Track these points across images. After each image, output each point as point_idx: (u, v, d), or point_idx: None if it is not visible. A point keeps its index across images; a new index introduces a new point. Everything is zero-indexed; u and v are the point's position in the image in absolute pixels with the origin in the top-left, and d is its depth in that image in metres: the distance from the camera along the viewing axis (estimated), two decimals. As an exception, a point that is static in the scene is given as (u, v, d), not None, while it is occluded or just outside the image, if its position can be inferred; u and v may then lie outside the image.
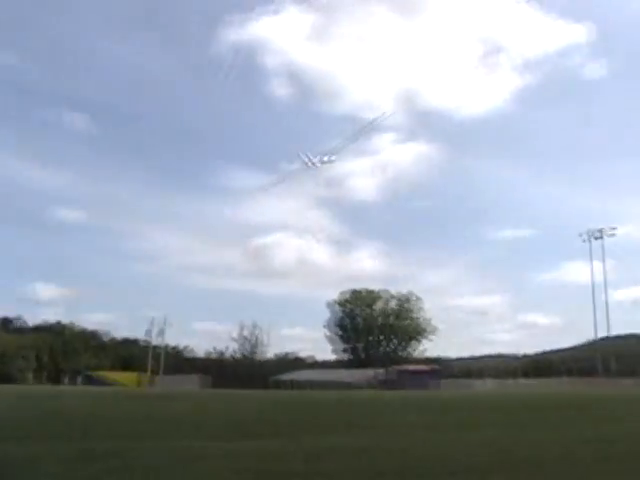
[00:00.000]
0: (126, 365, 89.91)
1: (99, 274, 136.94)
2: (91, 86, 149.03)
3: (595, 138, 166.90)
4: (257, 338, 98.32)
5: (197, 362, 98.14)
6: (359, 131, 77.92)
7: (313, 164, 65.44)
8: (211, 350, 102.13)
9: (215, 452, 8.36)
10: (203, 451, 8.47)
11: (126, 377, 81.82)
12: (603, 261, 79.77)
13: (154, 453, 8.24)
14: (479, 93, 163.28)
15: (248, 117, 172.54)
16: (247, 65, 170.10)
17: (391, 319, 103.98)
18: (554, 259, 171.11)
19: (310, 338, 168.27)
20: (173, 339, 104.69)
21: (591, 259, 79.72)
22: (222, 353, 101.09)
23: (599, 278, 79.46)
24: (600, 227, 79.26)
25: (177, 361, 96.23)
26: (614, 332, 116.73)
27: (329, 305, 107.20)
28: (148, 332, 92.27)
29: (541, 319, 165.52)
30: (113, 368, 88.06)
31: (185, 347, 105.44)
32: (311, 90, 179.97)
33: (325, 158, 65.77)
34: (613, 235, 79.14)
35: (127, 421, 14.64)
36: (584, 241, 79.19)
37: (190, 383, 74.85)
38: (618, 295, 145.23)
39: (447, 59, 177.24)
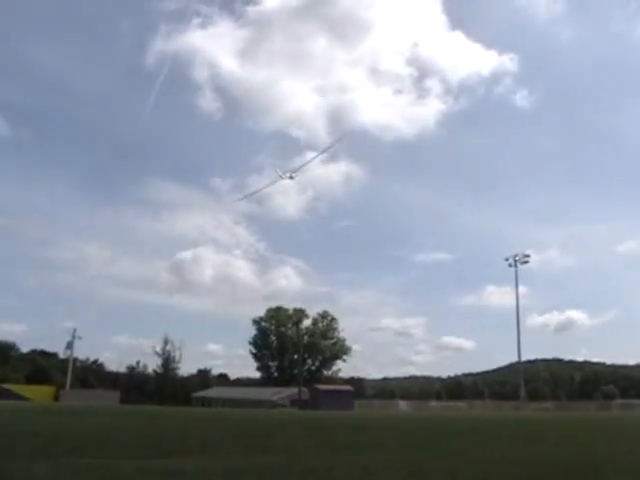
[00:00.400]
0: (35, 378, 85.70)
1: (10, 282, 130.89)
2: (9, 89, 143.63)
3: (520, 166, 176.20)
4: (170, 354, 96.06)
5: (111, 376, 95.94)
6: (320, 152, 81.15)
7: (281, 177, 67.53)
8: (128, 364, 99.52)
9: (127, 470, 8.23)
10: (115, 469, 8.32)
11: (33, 390, 77.96)
12: (515, 287, 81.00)
13: (63, 470, 8.09)
14: (407, 116, 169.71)
15: (175, 130, 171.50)
16: (176, 77, 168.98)
17: (315, 338, 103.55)
18: (475, 283, 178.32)
19: (234, 355, 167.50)
20: (89, 352, 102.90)
21: (515, 284, 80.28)
22: (134, 368, 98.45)
23: (514, 303, 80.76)
24: (520, 253, 79.78)
25: (88, 375, 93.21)
26: (532, 356, 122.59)
27: (255, 322, 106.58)
28: (69, 344, 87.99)
29: (460, 342, 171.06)
30: (18, 381, 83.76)
31: (95, 360, 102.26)
32: (240, 105, 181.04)
33: (287, 174, 67.48)
34: (527, 262, 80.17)
35: (33, 437, 14.08)
36: (510, 266, 78.64)
37: (101, 398, 71.80)
38: (540, 320, 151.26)
39: (378, 81, 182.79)
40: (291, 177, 66.76)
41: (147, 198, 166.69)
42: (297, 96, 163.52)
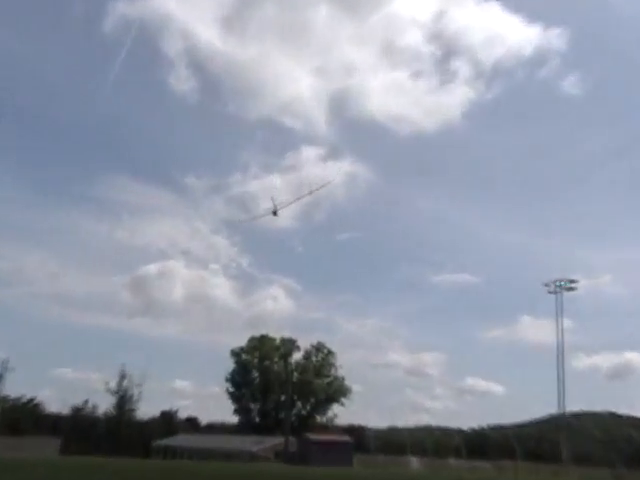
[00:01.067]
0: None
1: None
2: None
3: (566, 170, 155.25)
4: (126, 392, 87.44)
5: (50, 419, 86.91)
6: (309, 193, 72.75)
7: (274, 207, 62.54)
8: (73, 405, 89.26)
9: None
10: None
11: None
12: (557, 319, 71.33)
13: None
14: (427, 106, 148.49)
15: (140, 115, 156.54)
16: (142, 49, 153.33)
17: (307, 375, 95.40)
18: (505, 313, 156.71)
19: (207, 394, 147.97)
20: (23, 388, 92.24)
21: (557, 315, 71.35)
22: (80, 409, 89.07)
23: (555, 339, 71.38)
24: (564, 277, 72.14)
25: (21, 417, 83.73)
26: (577, 408, 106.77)
27: (234, 354, 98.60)
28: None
29: (486, 385, 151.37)
30: None
31: (31, 399, 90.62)
32: (221, 86, 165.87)
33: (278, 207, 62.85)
34: (572, 289, 71.78)
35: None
36: (550, 293, 71.20)
37: (36, 448, 63.37)
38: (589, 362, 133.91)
39: (391, 62, 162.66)
40: (274, 213, 62.15)
41: (104, 198, 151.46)
42: (292, 78, 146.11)
